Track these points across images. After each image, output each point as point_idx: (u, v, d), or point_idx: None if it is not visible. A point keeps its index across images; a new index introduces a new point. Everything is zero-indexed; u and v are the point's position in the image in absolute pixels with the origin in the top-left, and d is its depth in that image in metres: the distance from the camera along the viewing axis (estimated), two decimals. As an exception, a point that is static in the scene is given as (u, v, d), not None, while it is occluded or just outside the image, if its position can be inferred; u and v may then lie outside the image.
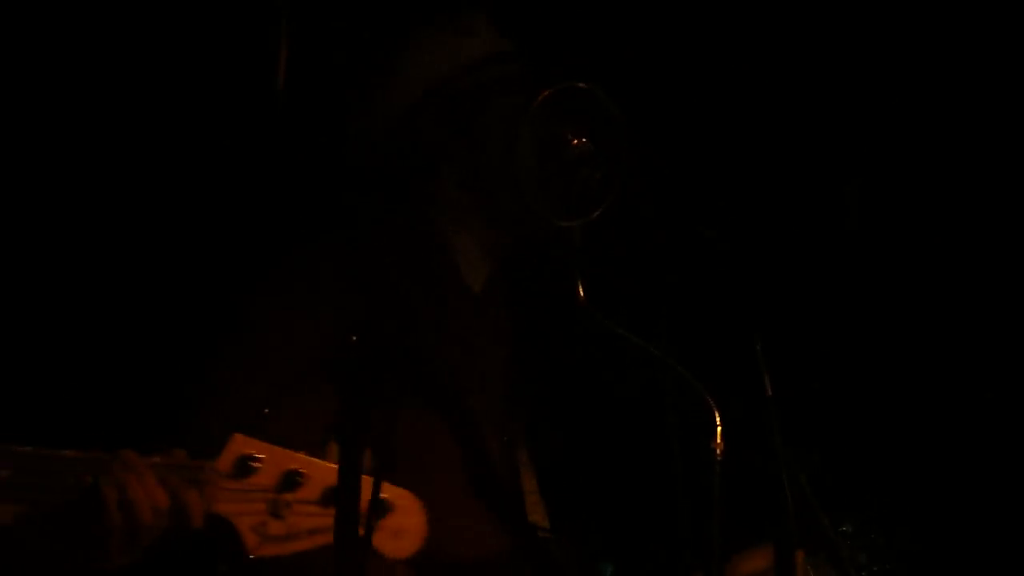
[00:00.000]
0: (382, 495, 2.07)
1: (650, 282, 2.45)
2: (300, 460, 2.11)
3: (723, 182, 3.58)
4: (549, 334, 2.86)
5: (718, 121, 3.65)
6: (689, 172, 3.55)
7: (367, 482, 1.98)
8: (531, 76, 2.65)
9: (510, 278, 2.73)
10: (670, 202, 2.54)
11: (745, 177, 3.65)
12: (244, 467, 2.09)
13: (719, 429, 2.35)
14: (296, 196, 2.83)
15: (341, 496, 1.89)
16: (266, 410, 2.14)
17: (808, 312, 3.73)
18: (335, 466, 1.95)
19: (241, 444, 2.09)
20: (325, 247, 2.50)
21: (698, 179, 3.46)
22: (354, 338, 1.89)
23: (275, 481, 2.09)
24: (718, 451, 2.34)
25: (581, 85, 2.50)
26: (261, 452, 2.09)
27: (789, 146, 3.72)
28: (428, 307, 2.53)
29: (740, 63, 3.66)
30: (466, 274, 2.63)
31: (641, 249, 2.50)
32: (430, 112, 2.61)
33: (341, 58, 2.81)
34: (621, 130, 2.50)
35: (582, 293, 2.47)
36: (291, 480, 2.11)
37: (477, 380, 2.57)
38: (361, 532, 1.92)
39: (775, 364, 2.41)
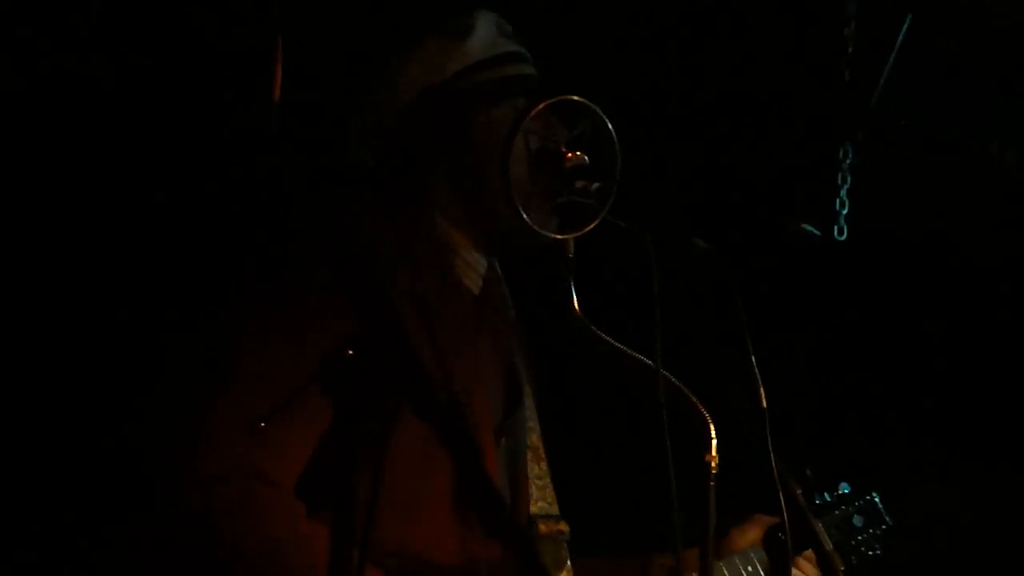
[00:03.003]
0: None
1: (644, 294, 2.45)
2: None
3: (717, 193, 3.59)
4: (545, 342, 2.86)
5: (711, 133, 3.66)
6: (682, 183, 3.56)
7: None
8: (531, 80, 2.66)
9: (507, 278, 2.74)
10: (663, 214, 2.54)
11: (738, 188, 3.66)
12: None
13: (714, 442, 2.35)
14: (290, 205, 2.83)
15: (336, 511, 1.87)
16: (262, 424, 2.13)
17: (803, 324, 3.74)
18: None
19: None
20: (319, 258, 2.49)
21: (691, 190, 3.47)
22: (350, 352, 1.88)
23: None
24: (713, 464, 2.34)
25: (575, 98, 2.50)
26: None
27: (780, 157, 3.73)
28: (425, 311, 2.51)
29: (730, 73, 3.67)
30: (464, 274, 2.63)
31: (635, 261, 2.50)
32: (424, 115, 2.62)
33: (339, 62, 2.81)
34: (615, 143, 2.50)
35: (576, 305, 2.47)
36: None
37: (475, 382, 2.55)
38: None
39: (769, 376, 2.42)
